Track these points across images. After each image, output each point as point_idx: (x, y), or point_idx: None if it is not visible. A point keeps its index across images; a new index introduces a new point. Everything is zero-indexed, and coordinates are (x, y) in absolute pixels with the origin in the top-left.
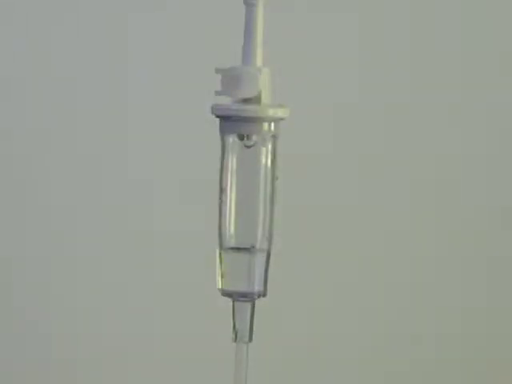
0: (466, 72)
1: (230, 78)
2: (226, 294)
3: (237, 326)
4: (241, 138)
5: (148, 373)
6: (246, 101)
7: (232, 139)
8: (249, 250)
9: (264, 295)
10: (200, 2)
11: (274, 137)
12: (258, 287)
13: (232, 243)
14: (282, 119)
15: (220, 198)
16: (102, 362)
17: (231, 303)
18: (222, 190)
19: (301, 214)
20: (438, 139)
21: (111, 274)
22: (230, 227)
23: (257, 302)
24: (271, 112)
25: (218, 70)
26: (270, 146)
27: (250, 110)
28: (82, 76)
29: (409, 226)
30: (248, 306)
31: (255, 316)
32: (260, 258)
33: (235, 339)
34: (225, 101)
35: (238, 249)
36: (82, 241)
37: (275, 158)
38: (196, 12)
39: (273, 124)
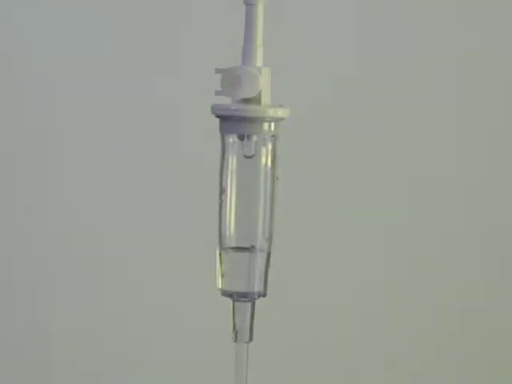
0: (466, 72)
1: (230, 78)
2: (225, 294)
3: (237, 326)
4: (241, 138)
5: (148, 373)
6: (246, 101)
7: (232, 139)
8: (249, 249)
9: (264, 295)
10: (200, 2)
11: (274, 137)
12: (258, 287)
13: (232, 243)
14: (282, 119)
15: (220, 199)
16: (102, 362)
17: (231, 303)
18: (222, 191)
19: (301, 214)
20: (439, 139)
21: (111, 274)
22: (230, 227)
23: (257, 302)
24: (271, 112)
25: (218, 70)
26: (270, 146)
27: (250, 109)
28: (81, 75)
29: (409, 226)
30: (248, 306)
31: (255, 316)
32: (260, 258)
33: (235, 339)
34: (225, 101)
35: (238, 249)
36: (82, 241)
37: (275, 158)
38: (196, 12)
39: (273, 124)
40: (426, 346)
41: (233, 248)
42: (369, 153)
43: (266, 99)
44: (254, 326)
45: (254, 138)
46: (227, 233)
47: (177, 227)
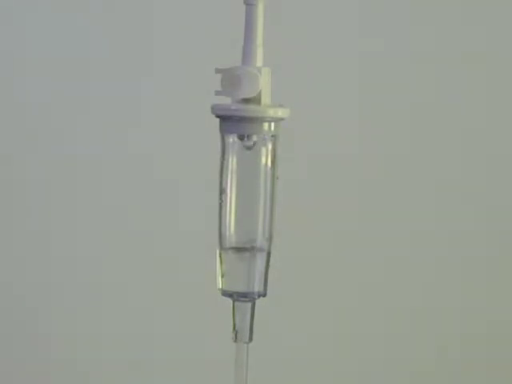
0: (466, 72)
1: (230, 78)
2: (226, 294)
3: (237, 326)
4: (241, 138)
5: (148, 373)
6: (246, 101)
7: (232, 139)
8: (249, 249)
9: (264, 295)
10: (200, 2)
11: (274, 137)
12: (258, 287)
13: (232, 243)
14: (282, 119)
15: (220, 198)
16: (102, 362)
17: (231, 303)
18: (222, 191)
19: (301, 215)
20: (438, 139)
21: (111, 275)
22: (230, 227)
23: (257, 302)
24: (271, 112)
25: (218, 70)
26: (270, 146)
27: (250, 109)
28: (81, 75)
29: (409, 226)
30: (248, 306)
31: (255, 316)
32: (260, 258)
33: (235, 339)
34: (225, 101)
35: (238, 249)
36: (82, 241)
37: (275, 158)
38: (196, 12)
39: (273, 124)
40: (426, 346)
41: (233, 248)
42: (369, 153)
43: (266, 99)
44: (254, 326)
45: (254, 137)
46: (227, 233)
47: (177, 227)
